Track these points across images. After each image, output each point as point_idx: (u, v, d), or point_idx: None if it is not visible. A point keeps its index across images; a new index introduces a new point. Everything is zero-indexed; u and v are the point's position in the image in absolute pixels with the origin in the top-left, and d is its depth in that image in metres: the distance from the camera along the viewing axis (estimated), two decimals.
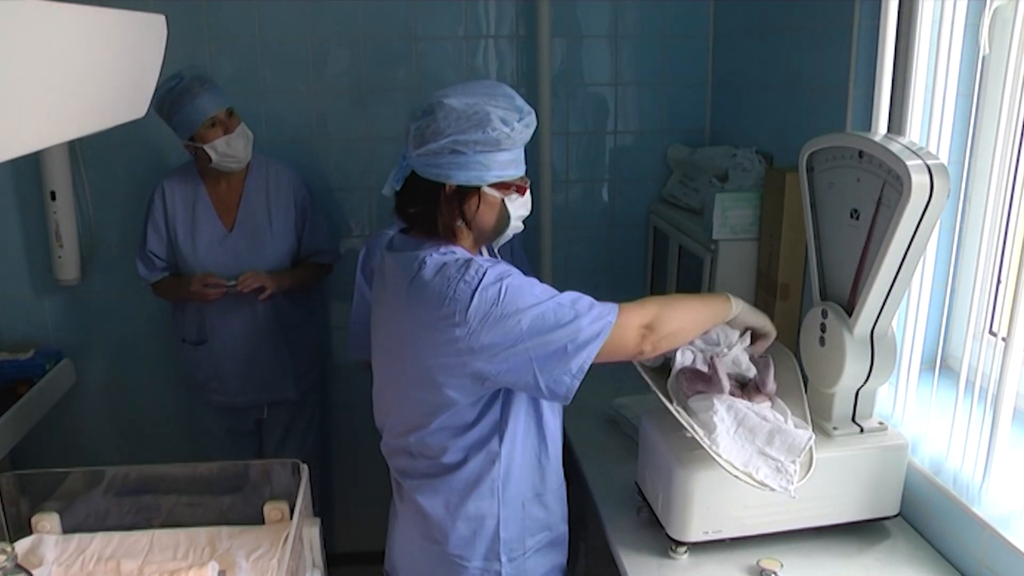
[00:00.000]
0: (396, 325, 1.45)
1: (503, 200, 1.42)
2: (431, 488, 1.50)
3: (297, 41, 2.55)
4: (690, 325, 1.45)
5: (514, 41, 2.60)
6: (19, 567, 1.25)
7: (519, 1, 2.55)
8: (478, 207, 1.40)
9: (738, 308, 1.49)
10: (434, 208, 1.40)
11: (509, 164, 1.40)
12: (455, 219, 1.41)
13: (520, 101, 1.40)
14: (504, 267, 1.37)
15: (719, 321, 1.50)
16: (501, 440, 1.46)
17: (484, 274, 1.32)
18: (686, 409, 1.45)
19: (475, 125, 1.33)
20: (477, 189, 1.39)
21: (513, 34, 2.59)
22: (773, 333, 1.55)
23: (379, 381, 1.57)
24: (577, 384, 1.35)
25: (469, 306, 1.31)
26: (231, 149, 2.25)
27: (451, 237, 1.42)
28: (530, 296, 1.33)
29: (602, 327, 1.33)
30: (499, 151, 1.36)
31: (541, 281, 1.39)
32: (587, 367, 1.33)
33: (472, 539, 1.50)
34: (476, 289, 1.31)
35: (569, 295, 1.35)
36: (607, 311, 1.35)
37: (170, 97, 2.19)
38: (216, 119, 2.22)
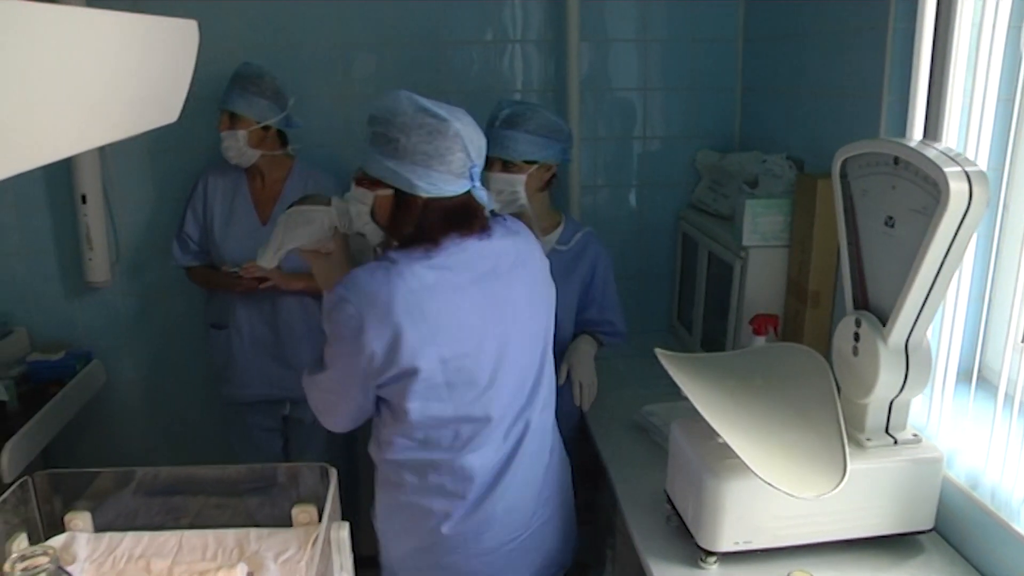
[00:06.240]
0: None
1: None
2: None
3: (324, 47, 2.56)
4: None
5: (542, 45, 2.59)
6: (61, 569, 1.26)
7: (547, 4, 2.55)
8: None
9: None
10: None
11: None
12: None
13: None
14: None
15: None
16: None
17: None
18: None
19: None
20: None
21: (541, 38, 2.59)
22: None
23: None
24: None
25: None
26: (224, 143, 2.36)
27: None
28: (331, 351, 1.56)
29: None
30: None
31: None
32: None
33: None
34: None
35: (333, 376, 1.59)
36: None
37: (232, 75, 2.36)
38: (227, 113, 2.34)
